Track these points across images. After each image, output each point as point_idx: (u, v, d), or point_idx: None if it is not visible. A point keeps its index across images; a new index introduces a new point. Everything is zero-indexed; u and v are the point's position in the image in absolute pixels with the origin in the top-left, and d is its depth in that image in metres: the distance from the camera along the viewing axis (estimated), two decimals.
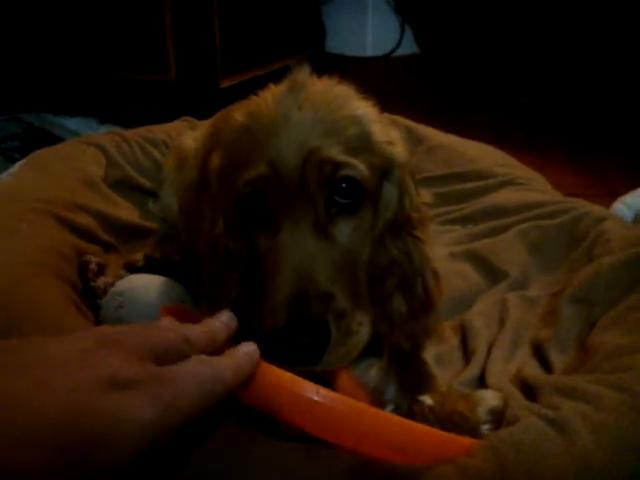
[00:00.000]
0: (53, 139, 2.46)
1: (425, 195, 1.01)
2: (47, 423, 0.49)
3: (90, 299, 1.21)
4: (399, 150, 0.91)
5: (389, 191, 0.90)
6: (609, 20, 2.73)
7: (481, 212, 1.61)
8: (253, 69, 2.85)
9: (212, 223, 0.95)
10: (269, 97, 0.87)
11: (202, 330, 0.69)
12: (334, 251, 0.81)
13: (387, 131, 0.91)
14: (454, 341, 1.21)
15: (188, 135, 1.63)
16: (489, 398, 0.86)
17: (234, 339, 0.74)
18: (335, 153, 0.81)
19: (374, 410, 0.70)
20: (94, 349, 0.56)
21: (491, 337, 1.17)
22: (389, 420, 0.70)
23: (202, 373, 0.60)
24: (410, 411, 0.86)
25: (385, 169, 0.89)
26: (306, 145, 0.80)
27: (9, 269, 1.00)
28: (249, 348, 0.69)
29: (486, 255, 1.41)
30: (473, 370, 1.08)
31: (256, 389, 0.69)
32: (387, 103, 1.02)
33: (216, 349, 0.68)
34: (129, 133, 1.76)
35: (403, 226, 0.91)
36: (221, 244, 0.93)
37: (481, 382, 1.07)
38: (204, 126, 1.61)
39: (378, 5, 3.55)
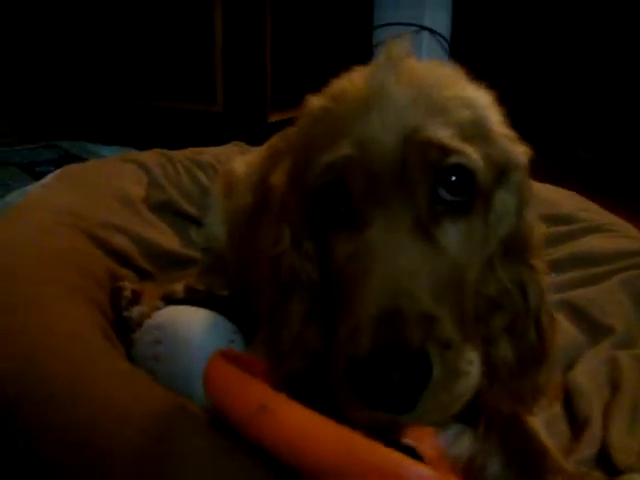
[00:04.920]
0: None
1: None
2: None
3: (121, 332, 1.03)
4: (521, 149, 0.72)
5: (505, 199, 0.70)
6: None
7: (568, 259, 1.42)
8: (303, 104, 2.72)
9: (275, 242, 0.76)
10: (356, 75, 0.69)
11: None
12: (439, 260, 0.61)
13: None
14: (555, 406, 1.00)
15: (239, 160, 1.49)
16: None
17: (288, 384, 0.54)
18: (445, 135, 0.62)
19: None
20: None
21: (604, 403, 0.98)
22: None
23: None
24: None
25: (502, 170, 0.69)
26: (406, 123, 0.62)
27: (27, 286, 0.83)
28: None
29: (583, 306, 1.22)
30: (591, 445, 0.88)
31: (347, 473, 0.49)
32: None
33: None
34: (175, 153, 1.61)
35: (518, 248, 0.71)
36: (285, 264, 0.74)
37: (599, 460, 0.86)
38: (257, 151, 1.46)
39: (432, 49, 3.45)
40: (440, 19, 3.46)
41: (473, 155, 0.63)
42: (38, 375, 0.67)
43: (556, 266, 1.42)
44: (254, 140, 1.50)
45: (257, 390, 0.53)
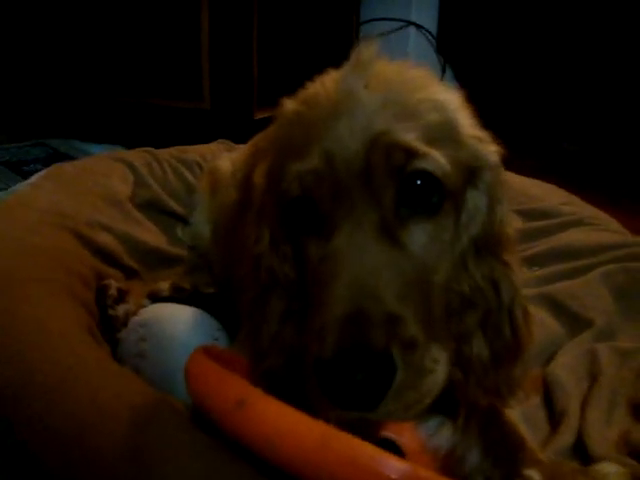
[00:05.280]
0: None
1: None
2: None
3: (107, 331, 1.03)
4: (491, 149, 0.72)
5: (476, 199, 0.71)
6: None
7: (549, 253, 1.44)
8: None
9: (255, 241, 0.78)
10: (328, 80, 0.70)
11: None
12: (404, 262, 0.62)
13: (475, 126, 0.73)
14: (534, 399, 1.02)
15: (224, 157, 1.50)
16: (615, 476, 0.66)
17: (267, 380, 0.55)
18: (410, 138, 0.63)
19: None
20: None
21: (582, 395, 0.99)
22: None
23: None
24: None
25: (472, 171, 0.70)
26: (373, 128, 0.63)
27: (13, 284, 0.83)
28: None
29: (563, 300, 1.23)
30: (567, 436, 0.90)
31: (321, 466, 0.50)
32: None
33: None
34: (161, 152, 1.61)
35: (491, 245, 0.72)
36: (264, 264, 0.75)
37: (576, 450, 0.88)
38: (242, 148, 1.47)
39: (419, 44, 3.46)
40: (427, 14, 3.46)
41: (439, 159, 0.64)
42: (23, 370, 0.68)
43: (537, 260, 1.44)
44: (241, 137, 1.50)
45: (235, 385, 0.54)
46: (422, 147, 0.64)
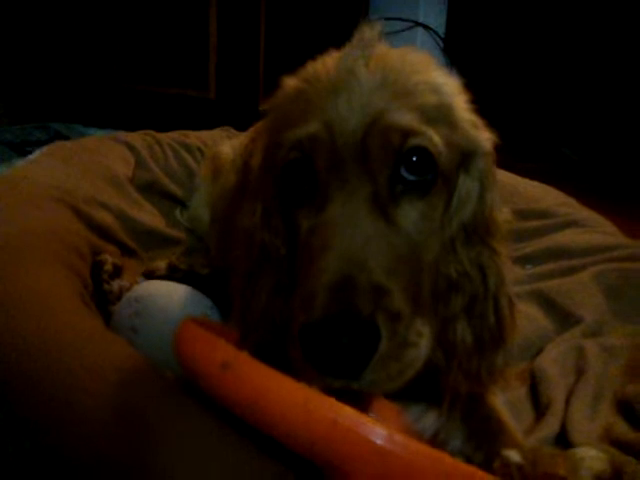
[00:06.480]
0: None
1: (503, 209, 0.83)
2: None
3: (100, 305, 1.04)
4: (485, 135, 0.74)
5: (468, 184, 0.73)
6: None
7: (544, 252, 1.44)
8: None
9: (248, 216, 0.79)
10: (329, 58, 0.72)
11: None
12: (394, 237, 0.64)
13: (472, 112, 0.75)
14: (521, 390, 1.03)
15: (226, 143, 1.51)
16: (593, 459, 0.67)
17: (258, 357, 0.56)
18: (406, 119, 0.65)
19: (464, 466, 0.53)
20: None
21: (568, 388, 1.00)
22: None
23: None
24: (490, 468, 0.67)
25: (466, 155, 0.72)
26: (371, 107, 0.65)
27: (10, 252, 0.84)
28: None
29: (554, 297, 1.24)
30: (551, 425, 0.91)
31: (302, 428, 0.51)
32: None
33: None
34: (162, 136, 1.62)
35: (480, 232, 0.73)
36: (256, 238, 0.77)
37: (559, 440, 0.89)
38: (244, 135, 1.48)
39: (426, 45, 3.46)
40: (435, 15, 3.47)
41: (434, 137, 0.65)
42: (13, 330, 0.69)
43: (531, 258, 1.45)
44: (245, 127, 1.52)
45: (221, 348, 0.55)
46: (418, 126, 0.65)
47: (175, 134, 1.67)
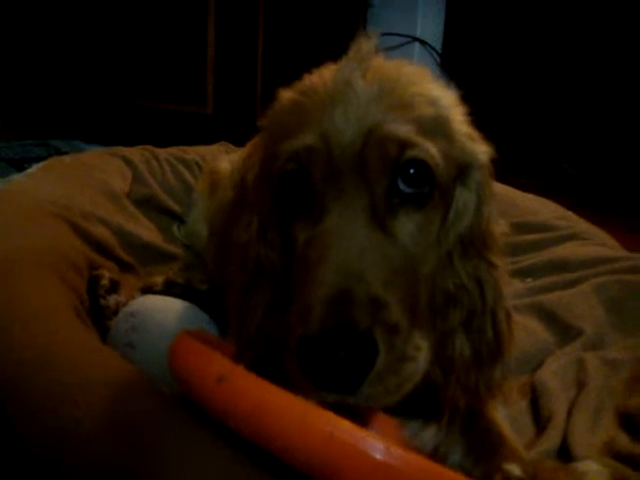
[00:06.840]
0: None
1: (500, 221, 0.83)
2: None
3: (97, 321, 1.03)
4: (482, 148, 0.74)
5: (465, 197, 0.73)
6: None
7: (544, 265, 1.44)
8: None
9: (245, 230, 0.78)
10: (325, 70, 0.72)
11: None
12: (391, 249, 0.63)
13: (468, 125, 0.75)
14: (522, 404, 1.02)
15: (224, 158, 1.51)
16: (595, 473, 0.66)
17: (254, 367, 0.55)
18: (404, 131, 0.65)
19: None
20: None
21: (569, 401, 0.99)
22: None
23: None
24: None
25: (462, 168, 0.72)
26: (368, 118, 0.65)
27: (5, 265, 0.84)
28: None
29: (555, 310, 1.23)
30: (553, 439, 0.90)
31: (299, 441, 0.50)
32: None
33: None
34: (160, 151, 1.62)
35: (477, 245, 0.73)
36: (252, 252, 0.76)
37: (561, 453, 0.88)
38: (242, 150, 1.48)
39: (424, 60, 3.48)
40: (432, 31, 3.49)
41: (431, 149, 0.65)
42: (6, 344, 0.69)
43: (531, 272, 1.44)
44: (243, 142, 1.52)
45: (216, 361, 0.54)
46: (415, 138, 0.65)
47: (174, 149, 1.67)
